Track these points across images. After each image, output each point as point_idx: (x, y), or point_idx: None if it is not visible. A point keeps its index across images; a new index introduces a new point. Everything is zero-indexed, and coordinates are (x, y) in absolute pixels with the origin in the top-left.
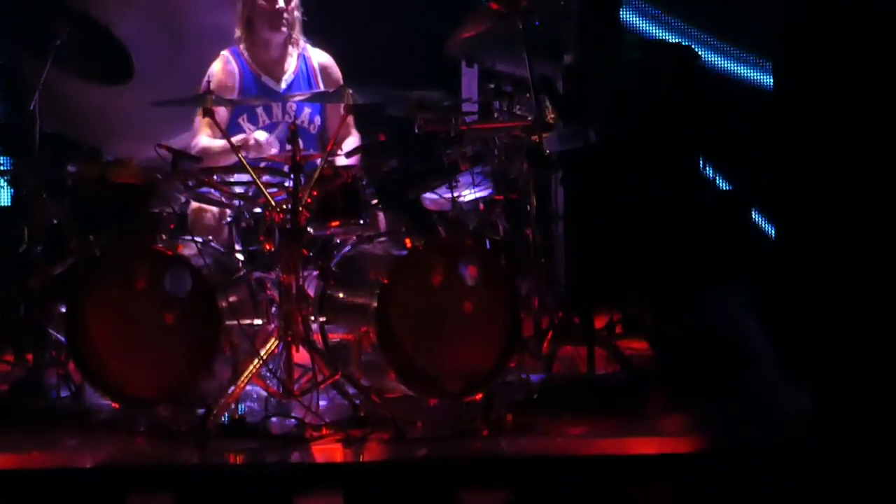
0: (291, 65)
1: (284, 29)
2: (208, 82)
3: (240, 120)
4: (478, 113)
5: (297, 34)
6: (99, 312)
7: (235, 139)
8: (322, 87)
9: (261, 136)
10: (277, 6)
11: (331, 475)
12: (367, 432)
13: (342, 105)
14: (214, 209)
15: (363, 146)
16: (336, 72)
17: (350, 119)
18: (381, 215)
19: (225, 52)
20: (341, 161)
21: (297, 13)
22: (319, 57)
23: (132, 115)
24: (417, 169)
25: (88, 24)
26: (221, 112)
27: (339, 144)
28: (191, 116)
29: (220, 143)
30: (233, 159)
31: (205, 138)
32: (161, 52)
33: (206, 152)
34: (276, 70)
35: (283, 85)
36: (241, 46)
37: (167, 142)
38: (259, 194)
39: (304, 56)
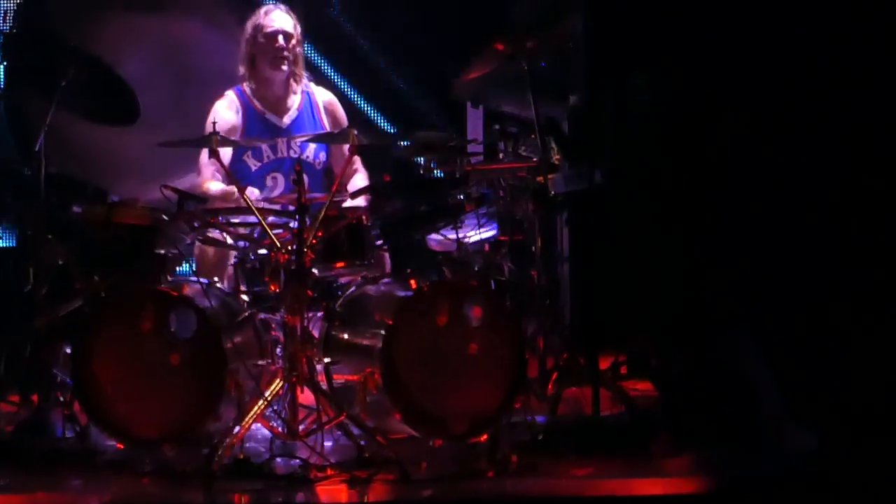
0: (295, 101)
1: (285, 67)
2: (213, 122)
3: (244, 157)
4: (483, 154)
5: (300, 70)
6: (104, 353)
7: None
8: (326, 125)
9: (252, 193)
10: (278, 44)
11: None
12: (371, 473)
13: (347, 145)
14: (223, 250)
15: (368, 187)
16: (340, 110)
17: (356, 156)
18: (386, 256)
19: (229, 92)
20: (347, 202)
21: (298, 49)
22: (323, 95)
23: (138, 156)
24: (422, 210)
25: (94, 65)
26: (226, 149)
27: (345, 183)
28: (196, 158)
29: (220, 187)
30: (234, 202)
31: (210, 183)
32: (166, 94)
33: (207, 196)
34: (280, 107)
35: (287, 121)
36: (245, 84)
37: (173, 183)
38: (264, 235)
39: (307, 93)
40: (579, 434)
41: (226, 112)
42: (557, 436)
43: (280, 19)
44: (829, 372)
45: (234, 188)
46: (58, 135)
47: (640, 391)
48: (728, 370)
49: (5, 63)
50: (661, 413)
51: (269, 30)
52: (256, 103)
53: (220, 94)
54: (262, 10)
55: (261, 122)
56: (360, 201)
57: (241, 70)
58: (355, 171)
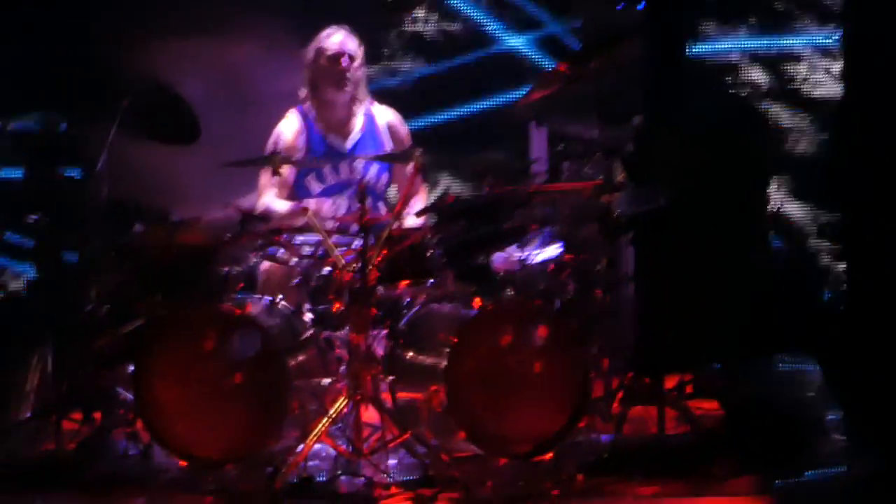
0: (357, 123)
1: (348, 88)
2: (275, 141)
3: (307, 179)
4: (547, 174)
5: (363, 93)
6: (166, 373)
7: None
8: (388, 145)
9: (325, 203)
10: (341, 66)
11: None
12: (436, 492)
13: (410, 164)
14: (287, 269)
15: (432, 206)
16: (403, 129)
17: (418, 177)
18: (449, 276)
19: (292, 111)
20: (410, 222)
21: (360, 72)
22: (385, 115)
23: (199, 177)
24: (486, 230)
25: (154, 86)
26: (288, 170)
27: (407, 204)
28: (256, 179)
29: (283, 205)
30: (295, 222)
31: (272, 199)
32: (226, 116)
33: (268, 214)
34: (343, 129)
35: (350, 144)
36: (307, 106)
37: (235, 202)
38: (328, 254)
39: (369, 114)
40: (644, 454)
41: (288, 132)
42: (622, 456)
43: (343, 41)
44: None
45: (300, 205)
46: (120, 157)
47: (706, 410)
48: (793, 393)
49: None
50: (726, 434)
51: (331, 52)
52: (319, 125)
53: (280, 116)
54: (325, 32)
55: (323, 144)
56: (416, 220)
57: (303, 93)
58: (416, 192)
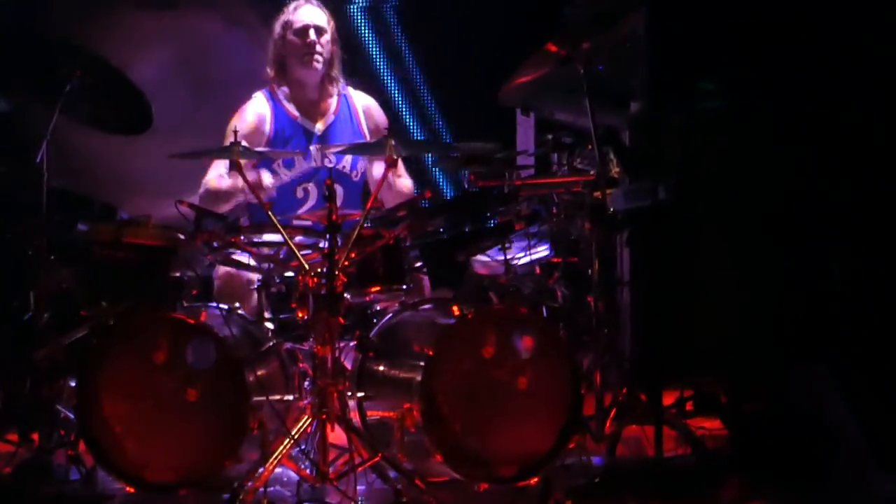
0: (331, 105)
1: (318, 65)
2: (236, 126)
3: (274, 165)
4: (534, 167)
5: (336, 72)
6: (113, 387)
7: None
8: (365, 131)
9: (266, 178)
10: (309, 39)
11: None
12: None
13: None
14: (245, 273)
15: (406, 203)
16: (380, 115)
17: (399, 162)
18: (426, 280)
19: (258, 93)
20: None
21: (333, 47)
22: (362, 99)
23: (150, 168)
24: (467, 229)
25: (102, 68)
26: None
27: (383, 196)
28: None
29: (226, 182)
30: (238, 200)
31: (212, 179)
32: (181, 100)
33: (212, 195)
34: (314, 111)
35: (322, 127)
36: (275, 86)
37: (189, 198)
38: (291, 257)
39: (345, 96)
40: (640, 477)
41: (252, 116)
42: (616, 479)
43: (311, 14)
44: None
45: (240, 182)
46: (61, 145)
47: (708, 430)
48: (806, 410)
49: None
50: (731, 455)
51: (298, 25)
52: (288, 107)
53: (241, 101)
54: (291, 5)
55: (293, 128)
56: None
57: (270, 73)
58: (399, 177)
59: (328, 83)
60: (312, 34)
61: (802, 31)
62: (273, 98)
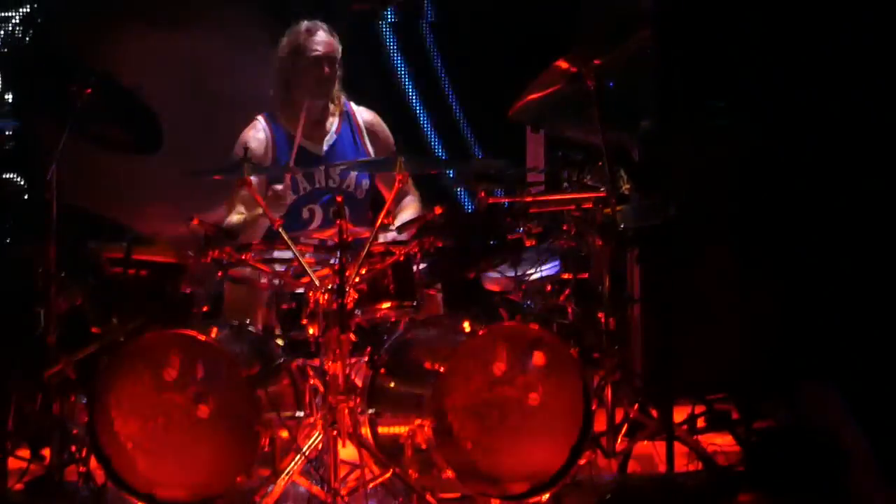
0: (333, 124)
1: (328, 96)
2: (245, 148)
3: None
4: (545, 184)
5: (338, 90)
6: (124, 404)
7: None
8: (369, 148)
9: (277, 187)
10: (325, 72)
11: None
12: None
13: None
14: (256, 290)
15: (418, 219)
16: (385, 131)
17: (408, 179)
18: (436, 297)
19: (258, 118)
20: (392, 237)
21: (339, 72)
22: (365, 115)
23: (161, 186)
24: (477, 245)
25: (112, 87)
26: (254, 182)
27: (394, 209)
28: (226, 189)
29: (240, 216)
30: (263, 229)
31: (234, 216)
32: (192, 119)
33: (231, 229)
34: (316, 131)
35: (325, 146)
36: (277, 108)
37: (199, 216)
38: (302, 273)
39: (347, 114)
40: (652, 494)
41: (252, 142)
42: (627, 497)
43: (324, 43)
44: None
45: (259, 210)
46: (71, 163)
47: (720, 447)
48: (817, 426)
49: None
50: (743, 471)
51: (312, 54)
52: (289, 129)
53: (250, 118)
54: (303, 27)
55: (292, 150)
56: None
57: (273, 92)
58: (405, 193)
59: (330, 102)
60: (326, 67)
61: (812, 47)
62: (274, 121)
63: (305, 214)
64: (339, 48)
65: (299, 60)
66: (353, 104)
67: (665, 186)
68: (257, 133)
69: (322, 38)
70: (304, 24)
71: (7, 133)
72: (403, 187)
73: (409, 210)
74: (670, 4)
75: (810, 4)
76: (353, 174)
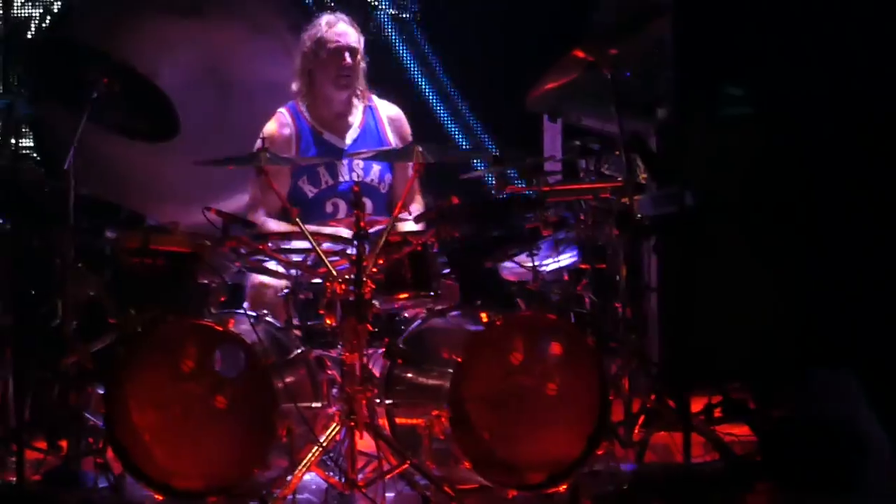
0: (357, 118)
1: (350, 87)
2: (263, 138)
3: (300, 182)
4: (562, 173)
5: (362, 85)
6: (141, 395)
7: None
8: (391, 142)
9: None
10: (345, 63)
11: None
12: None
13: (411, 164)
14: (276, 282)
15: (434, 209)
16: (406, 126)
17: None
18: (454, 286)
19: (281, 110)
20: (409, 227)
21: (362, 64)
22: (388, 109)
23: (177, 175)
24: (494, 235)
25: (129, 75)
26: (280, 175)
27: (406, 207)
28: (244, 178)
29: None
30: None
31: (270, 221)
32: (209, 107)
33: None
34: (340, 125)
35: (348, 141)
36: (300, 101)
37: (216, 205)
38: (319, 263)
39: (371, 108)
40: (668, 484)
41: (276, 135)
42: (644, 486)
43: (345, 33)
44: None
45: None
46: (89, 152)
47: (737, 436)
48: (835, 415)
49: (30, 74)
50: (760, 461)
51: (333, 45)
52: (314, 122)
53: (268, 109)
54: (324, 20)
55: (318, 144)
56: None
57: (296, 86)
58: (413, 197)
59: (354, 96)
60: (348, 57)
61: (830, 36)
62: (297, 114)
63: (329, 208)
64: (361, 40)
65: (321, 51)
66: (375, 98)
67: (682, 176)
68: (282, 126)
69: (342, 29)
70: (326, 16)
71: (24, 121)
72: (412, 188)
73: (418, 208)
74: None
75: None
76: (376, 169)
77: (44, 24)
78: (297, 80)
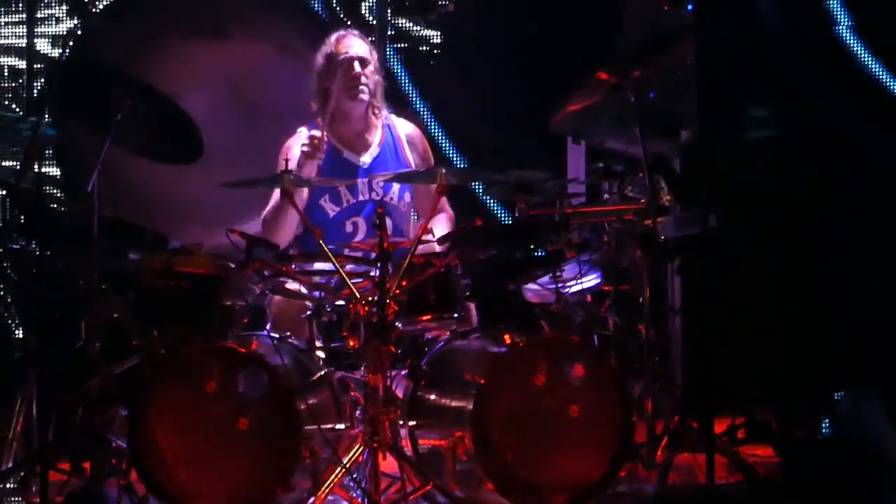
0: (376, 137)
1: (364, 96)
2: (287, 160)
3: (321, 201)
4: (585, 195)
5: (380, 102)
6: (164, 416)
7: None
8: (410, 161)
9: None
10: (354, 71)
11: None
12: None
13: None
14: (297, 302)
15: (458, 231)
16: (424, 143)
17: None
18: (476, 309)
19: (302, 129)
20: (433, 249)
21: (376, 77)
22: (405, 127)
23: (201, 197)
24: (518, 257)
25: (153, 97)
26: (301, 194)
27: (429, 230)
28: (267, 200)
29: (271, 204)
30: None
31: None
32: (232, 129)
33: (266, 223)
34: (359, 144)
35: (368, 159)
36: (319, 120)
37: (240, 227)
38: (342, 285)
39: (388, 126)
40: None
41: (296, 152)
42: None
43: (354, 45)
44: None
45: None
46: (112, 174)
47: (760, 458)
48: (858, 437)
49: (55, 95)
50: (783, 482)
51: (342, 57)
52: (332, 140)
53: (292, 129)
54: (333, 37)
55: (338, 162)
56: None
57: (315, 105)
58: (440, 211)
59: (372, 113)
60: (357, 66)
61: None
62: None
63: (349, 227)
64: (372, 51)
65: (332, 65)
66: (393, 116)
67: (705, 197)
68: (300, 143)
69: (352, 42)
70: (335, 33)
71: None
72: (440, 203)
73: (443, 227)
74: (711, 16)
75: (854, 14)
76: (396, 188)
77: (67, 44)
78: (315, 99)
